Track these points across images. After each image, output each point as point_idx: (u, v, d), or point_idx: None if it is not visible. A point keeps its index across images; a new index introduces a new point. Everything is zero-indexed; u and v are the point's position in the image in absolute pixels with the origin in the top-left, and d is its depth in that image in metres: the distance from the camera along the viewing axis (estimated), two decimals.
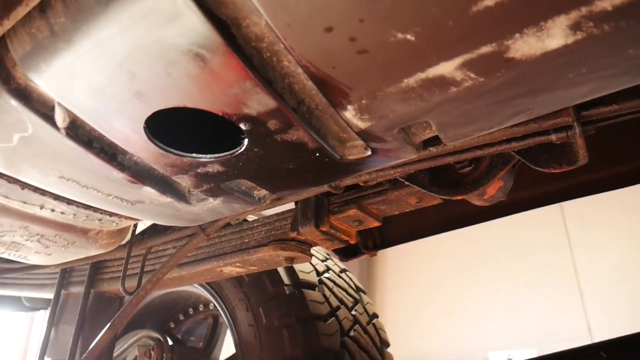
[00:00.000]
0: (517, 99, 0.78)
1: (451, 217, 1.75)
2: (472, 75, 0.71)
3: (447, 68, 0.69)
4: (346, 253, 1.88)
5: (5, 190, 1.12)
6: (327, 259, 2.24)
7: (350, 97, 0.76)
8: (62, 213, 1.23)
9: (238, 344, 1.90)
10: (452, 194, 1.15)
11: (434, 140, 1.04)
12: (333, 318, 1.89)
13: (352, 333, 1.92)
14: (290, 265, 1.52)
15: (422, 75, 0.71)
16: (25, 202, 1.17)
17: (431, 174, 1.19)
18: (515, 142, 1.00)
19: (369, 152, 0.92)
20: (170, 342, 2.04)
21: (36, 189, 1.11)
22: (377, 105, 0.77)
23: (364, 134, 0.86)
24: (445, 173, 1.19)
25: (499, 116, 0.83)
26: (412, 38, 0.64)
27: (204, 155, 0.90)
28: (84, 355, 1.49)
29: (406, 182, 1.21)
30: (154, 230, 1.75)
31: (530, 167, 1.08)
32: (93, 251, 1.49)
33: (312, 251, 2.22)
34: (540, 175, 1.46)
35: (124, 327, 2.43)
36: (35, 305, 2.70)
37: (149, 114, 0.80)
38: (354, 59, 0.68)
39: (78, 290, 2.01)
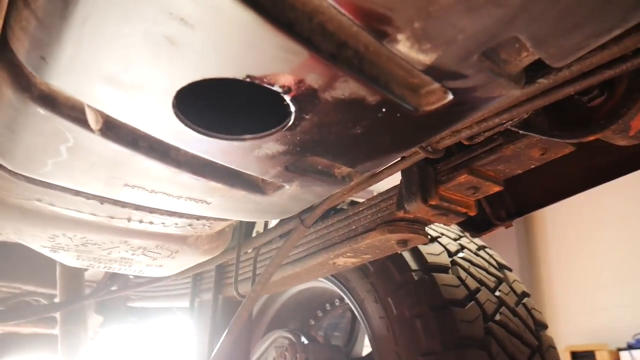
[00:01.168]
0: None
1: (597, 168, 1.44)
2: None
3: None
4: (476, 227, 1.65)
5: (89, 207, 1.09)
6: (460, 236, 2.00)
7: (396, 21, 0.57)
8: (151, 223, 1.18)
9: (372, 338, 1.76)
10: (581, 135, 0.89)
11: (542, 69, 0.80)
12: (472, 302, 1.66)
13: (497, 317, 1.68)
14: (404, 249, 1.34)
15: None
16: (112, 217, 1.14)
17: (551, 115, 0.94)
18: None
19: (451, 96, 0.71)
20: (305, 341, 1.96)
21: (115, 202, 1.07)
22: (435, 26, 0.58)
23: (434, 72, 0.66)
24: (569, 110, 0.93)
25: (618, 7, 0.59)
26: None
27: (250, 135, 0.76)
28: None
29: (521, 132, 0.97)
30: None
31: None
32: (200, 257, 1.45)
33: (444, 230, 2.01)
34: None
35: (265, 329, 2.43)
36: (185, 314, 2.82)
37: (173, 94, 0.69)
38: None
39: (209, 297, 2.02)
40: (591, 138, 0.89)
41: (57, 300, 2.35)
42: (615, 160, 1.36)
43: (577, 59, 0.75)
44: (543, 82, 0.80)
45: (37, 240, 1.26)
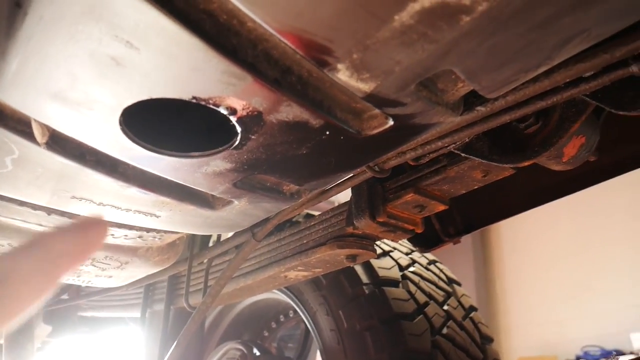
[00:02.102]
0: (559, 18, 0.57)
1: (541, 189, 1.50)
2: None
3: None
4: (426, 243, 1.70)
5: (35, 218, 1.08)
6: (412, 251, 2.05)
7: (336, 52, 0.60)
8: None
9: (323, 351, 1.78)
10: (518, 160, 0.94)
11: (480, 98, 0.84)
12: (421, 316, 1.70)
13: (445, 331, 1.72)
14: (353, 263, 1.37)
15: (416, 6, 0.53)
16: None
17: (491, 140, 0.99)
18: (585, 84, 0.78)
19: (391, 122, 0.75)
20: (257, 353, 1.97)
21: (62, 213, 1.06)
22: (373, 58, 0.61)
23: (373, 99, 0.69)
24: (507, 136, 0.98)
25: (543, 48, 0.63)
26: None
27: (197, 153, 0.78)
28: None
29: (463, 154, 1.02)
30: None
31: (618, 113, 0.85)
32: (151, 268, 1.44)
33: (396, 244, 2.05)
34: None
35: (218, 340, 2.42)
36: (137, 324, 2.78)
37: (120, 111, 0.70)
38: None
39: (161, 307, 2.00)
40: (527, 163, 0.94)
41: None
42: (557, 182, 1.43)
43: (511, 90, 0.79)
44: (481, 109, 0.85)
45: None
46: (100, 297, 2.06)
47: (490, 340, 1.89)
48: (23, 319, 0.40)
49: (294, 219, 1.79)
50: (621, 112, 0.81)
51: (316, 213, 1.62)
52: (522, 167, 1.00)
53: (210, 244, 2.04)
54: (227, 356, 2.02)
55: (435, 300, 1.81)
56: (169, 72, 0.62)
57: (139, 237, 1.21)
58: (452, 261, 2.19)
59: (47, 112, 0.71)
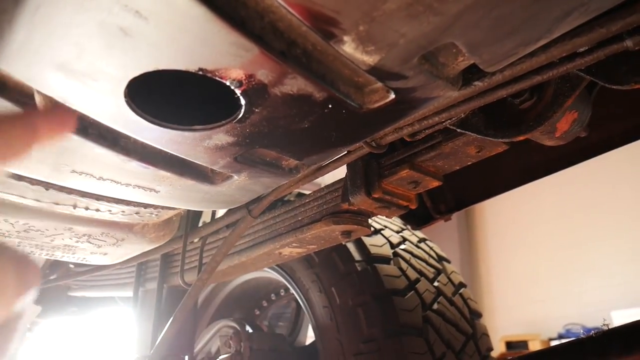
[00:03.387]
0: None
1: (531, 166, 1.53)
2: None
3: None
4: (417, 220, 1.73)
5: (33, 193, 1.08)
6: (403, 229, 2.08)
7: (342, 24, 0.61)
8: (98, 210, 1.18)
9: (316, 327, 1.81)
10: (512, 135, 0.96)
11: (477, 73, 0.86)
12: (412, 292, 1.73)
13: (435, 306, 1.76)
14: (348, 240, 1.39)
15: None
16: (57, 203, 1.13)
17: (486, 116, 1.01)
18: (580, 58, 0.80)
19: (393, 95, 0.76)
20: (250, 330, 1.99)
21: (61, 188, 1.06)
22: (379, 30, 0.62)
23: (377, 72, 0.70)
24: (502, 112, 1.00)
25: (544, 20, 0.65)
26: None
27: (200, 126, 0.79)
28: (151, 351, 1.46)
29: (458, 130, 1.04)
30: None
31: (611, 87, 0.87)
32: (146, 245, 1.45)
33: (387, 222, 2.08)
34: (631, 99, 1.22)
35: (210, 319, 2.44)
36: (128, 304, 2.78)
37: (125, 83, 0.70)
38: None
39: (154, 286, 2.01)
40: (521, 138, 0.96)
41: None
42: (547, 159, 1.46)
43: (508, 65, 0.81)
44: (478, 84, 0.86)
45: None
46: (91, 276, 2.06)
47: (479, 315, 1.93)
48: None
49: (286, 198, 1.81)
50: (615, 87, 0.83)
51: (307, 192, 1.64)
52: (515, 142, 1.02)
53: (200, 224, 2.05)
54: (220, 334, 2.04)
55: (426, 277, 1.84)
56: (177, 43, 0.62)
57: (136, 213, 1.22)
58: (438, 241, 2.22)
59: (51, 84, 0.71)
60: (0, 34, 0.64)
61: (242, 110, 0.75)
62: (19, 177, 1.00)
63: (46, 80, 0.70)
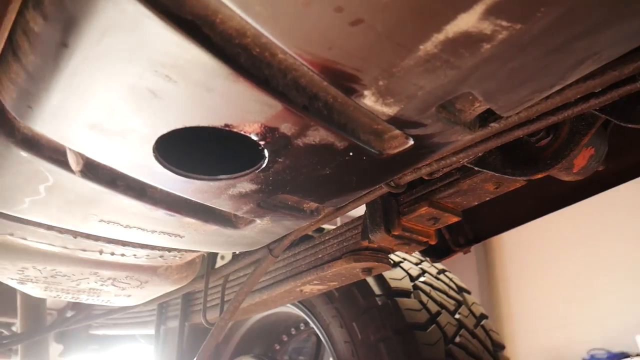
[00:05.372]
0: (574, 42, 0.61)
1: (549, 198, 1.54)
2: (504, 23, 0.56)
3: (469, 21, 0.55)
4: (436, 253, 1.73)
5: (61, 241, 1.11)
6: (422, 261, 2.08)
7: (363, 80, 0.63)
8: (123, 255, 1.20)
9: None
10: (531, 173, 0.97)
11: (494, 115, 0.88)
12: (434, 325, 1.73)
13: (457, 339, 1.75)
14: (368, 276, 1.40)
15: (440, 37, 0.57)
16: (84, 250, 1.16)
17: (503, 154, 1.02)
18: (595, 99, 0.81)
19: (412, 142, 0.78)
20: None
21: (88, 236, 1.09)
22: (398, 84, 0.64)
23: (396, 121, 0.72)
24: (519, 150, 1.01)
25: (558, 69, 0.67)
26: None
27: (225, 176, 0.81)
28: None
29: (476, 168, 1.05)
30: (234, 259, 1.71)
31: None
32: (169, 287, 1.46)
33: (405, 254, 2.08)
34: None
35: (231, 354, 2.43)
36: (150, 342, 2.79)
37: (154, 140, 0.73)
38: (350, 33, 0.56)
39: (176, 324, 2.03)
40: (539, 176, 0.97)
41: (15, 329, 2.30)
42: (563, 191, 1.46)
43: (524, 108, 0.83)
44: (495, 126, 0.88)
45: (5, 273, 1.26)
46: (114, 315, 2.08)
47: (502, 347, 1.91)
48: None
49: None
50: (630, 125, 0.84)
51: (327, 227, 1.65)
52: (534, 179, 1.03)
53: (219, 261, 2.07)
54: None
55: (447, 310, 1.84)
56: (204, 102, 0.65)
57: (160, 256, 1.24)
58: (456, 269, 2.22)
59: (83, 142, 0.74)
60: (37, 99, 0.68)
61: (266, 161, 0.78)
62: (49, 227, 1.03)
63: (78, 139, 0.73)
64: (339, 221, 2.66)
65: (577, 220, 7.70)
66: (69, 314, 2.50)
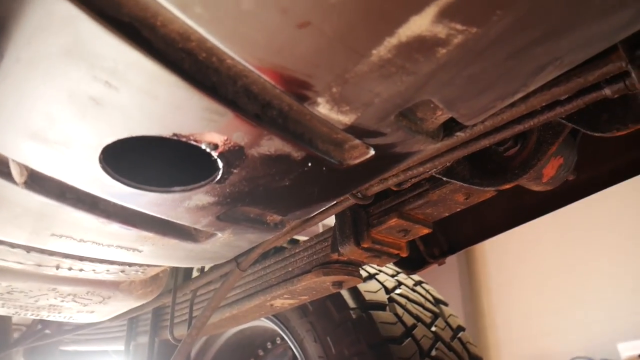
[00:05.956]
0: (534, 47, 0.59)
1: (523, 208, 1.52)
2: (459, 27, 0.53)
3: (422, 24, 0.52)
4: (411, 265, 1.70)
5: (13, 256, 1.06)
6: (398, 272, 2.05)
7: (315, 87, 0.60)
8: (81, 270, 1.15)
9: None
10: (499, 183, 0.95)
11: (459, 124, 0.85)
12: (409, 339, 1.69)
13: (433, 353, 1.71)
14: (339, 290, 1.36)
15: (392, 41, 0.54)
16: (39, 265, 1.11)
17: (471, 164, 1.00)
18: (560, 107, 0.79)
19: (372, 152, 0.75)
20: None
21: (42, 250, 1.04)
22: (352, 91, 0.61)
23: (354, 130, 0.69)
24: (487, 160, 0.99)
25: (519, 75, 0.64)
26: None
27: (178, 187, 0.77)
28: None
29: (444, 179, 1.02)
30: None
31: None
32: (133, 302, 1.41)
33: (381, 267, 2.05)
34: (617, 139, 1.22)
35: None
36: (121, 357, 2.71)
37: (100, 150, 0.69)
38: (298, 37, 0.53)
39: (146, 340, 1.97)
40: (507, 186, 0.95)
41: None
42: (538, 201, 1.44)
43: (489, 116, 0.80)
44: (460, 135, 0.85)
45: None
46: (83, 330, 2.01)
47: None
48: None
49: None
50: (597, 134, 0.82)
51: (301, 238, 1.62)
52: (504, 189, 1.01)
53: (195, 274, 2.02)
54: None
55: (423, 322, 1.81)
56: (149, 110, 0.61)
57: (121, 271, 1.19)
58: (438, 280, 2.20)
59: (25, 152, 0.70)
60: None
61: (220, 172, 0.74)
62: None
63: (20, 149, 0.69)
64: (321, 227, 2.62)
65: (559, 229, 7.75)
66: (38, 328, 2.42)
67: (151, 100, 0.60)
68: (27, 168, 0.76)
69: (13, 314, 1.40)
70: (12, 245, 1.01)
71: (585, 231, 7.68)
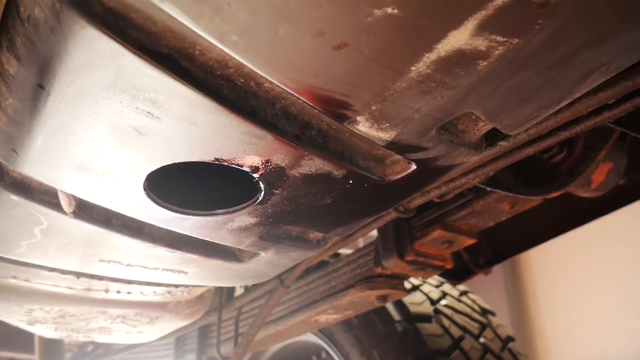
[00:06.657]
0: (578, 54, 0.57)
1: (571, 214, 1.48)
2: (500, 38, 0.52)
3: (460, 38, 0.51)
4: (456, 275, 1.67)
5: (65, 281, 1.09)
6: (442, 283, 2.01)
7: (354, 106, 0.60)
8: (129, 293, 1.17)
9: None
10: (545, 192, 0.92)
11: (501, 133, 0.83)
12: (457, 351, 1.65)
13: None
14: (384, 304, 1.35)
15: (431, 56, 0.53)
16: (89, 289, 1.13)
17: (516, 173, 0.97)
18: (608, 111, 0.76)
19: (414, 166, 0.74)
20: None
21: (91, 276, 1.07)
22: (392, 108, 0.61)
23: (394, 146, 0.69)
24: (533, 167, 0.96)
25: (563, 84, 0.62)
26: (396, 11, 0.48)
27: (222, 210, 0.78)
28: None
29: (488, 189, 1.00)
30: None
31: None
32: (180, 322, 1.43)
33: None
34: None
35: None
36: None
37: (144, 177, 0.70)
38: (335, 58, 0.53)
39: (193, 358, 1.99)
40: (554, 194, 0.92)
41: None
42: (584, 208, 1.40)
43: (533, 124, 0.78)
44: (503, 144, 0.83)
45: (13, 315, 1.24)
46: (132, 350, 2.05)
47: None
48: None
49: None
50: None
51: (343, 251, 1.60)
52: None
53: (239, 291, 2.03)
54: None
55: (471, 334, 1.76)
56: (190, 137, 0.62)
57: (168, 292, 1.21)
58: (483, 290, 2.15)
59: (72, 183, 0.71)
60: (20, 142, 0.66)
61: (262, 194, 0.74)
62: (50, 269, 1.01)
63: (67, 180, 0.71)
64: (361, 242, 2.60)
65: (606, 231, 7.50)
66: (90, 348, 2.48)
67: (192, 127, 0.61)
68: (75, 198, 0.78)
69: (66, 337, 1.44)
70: (63, 272, 1.03)
71: (634, 233, 7.41)
